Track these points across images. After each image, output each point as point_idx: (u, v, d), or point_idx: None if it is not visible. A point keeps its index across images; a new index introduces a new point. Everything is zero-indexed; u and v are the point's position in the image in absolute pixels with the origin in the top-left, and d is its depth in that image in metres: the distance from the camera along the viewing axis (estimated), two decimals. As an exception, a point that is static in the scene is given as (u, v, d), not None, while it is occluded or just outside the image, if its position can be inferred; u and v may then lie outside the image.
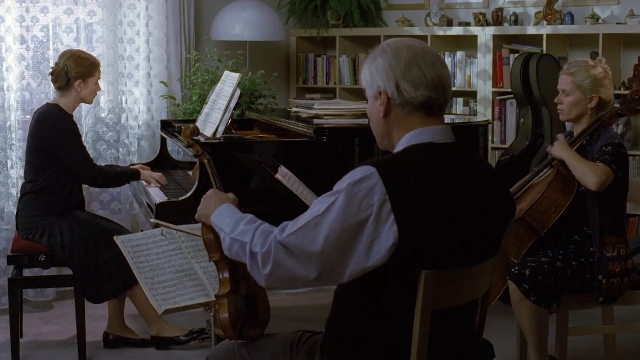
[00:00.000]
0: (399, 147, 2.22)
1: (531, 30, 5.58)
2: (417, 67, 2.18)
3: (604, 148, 3.54)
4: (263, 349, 2.46)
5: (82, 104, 5.25)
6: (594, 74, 3.64)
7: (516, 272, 3.50)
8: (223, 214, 2.34)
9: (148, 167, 4.68)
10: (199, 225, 2.54)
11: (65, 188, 4.34)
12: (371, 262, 2.06)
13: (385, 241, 2.04)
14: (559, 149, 3.64)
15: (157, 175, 4.53)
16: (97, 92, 4.50)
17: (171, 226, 2.99)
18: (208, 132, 4.24)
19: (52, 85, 4.51)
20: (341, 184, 2.09)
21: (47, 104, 4.44)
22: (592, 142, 3.63)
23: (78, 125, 4.44)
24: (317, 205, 2.11)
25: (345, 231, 2.06)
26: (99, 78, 4.45)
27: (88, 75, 4.36)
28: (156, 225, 3.02)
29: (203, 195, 2.47)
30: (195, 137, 2.97)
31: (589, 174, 3.47)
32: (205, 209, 2.42)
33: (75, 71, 4.33)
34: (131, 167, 4.65)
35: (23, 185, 4.45)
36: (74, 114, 4.47)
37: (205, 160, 2.69)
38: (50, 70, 4.46)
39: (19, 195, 4.55)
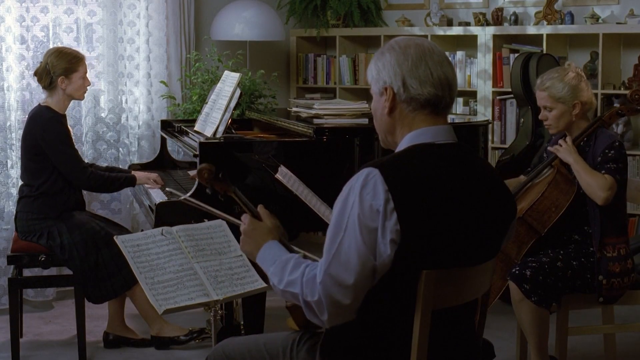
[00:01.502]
0: (400, 146, 2.23)
1: (531, 30, 5.58)
2: (425, 65, 2.19)
3: (607, 152, 3.52)
4: (263, 348, 2.46)
5: (81, 103, 5.28)
6: (568, 82, 3.61)
7: (517, 272, 3.50)
8: (267, 258, 2.28)
9: (144, 170, 4.64)
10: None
11: (63, 191, 4.32)
12: (380, 260, 2.08)
13: (388, 238, 2.05)
14: (566, 153, 3.61)
15: (154, 176, 4.49)
16: (88, 88, 4.41)
17: (203, 206, 2.82)
18: (208, 132, 4.24)
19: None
20: (349, 193, 2.10)
21: (39, 105, 4.37)
22: (590, 143, 3.62)
23: (78, 125, 4.42)
24: (334, 228, 2.10)
25: (367, 237, 2.06)
26: (86, 73, 4.35)
27: (71, 71, 4.28)
28: (185, 201, 2.80)
29: (242, 229, 2.37)
30: (215, 177, 2.48)
31: (596, 188, 3.48)
32: (249, 249, 2.35)
33: (58, 68, 4.26)
34: (129, 172, 4.59)
35: (21, 187, 4.43)
36: (72, 113, 4.43)
37: (233, 193, 2.50)
38: (34, 70, 4.40)
39: (17, 197, 4.54)
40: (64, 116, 4.38)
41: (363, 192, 2.07)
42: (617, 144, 3.55)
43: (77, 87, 4.33)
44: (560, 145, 3.65)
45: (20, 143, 5.05)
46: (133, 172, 4.54)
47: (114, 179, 4.40)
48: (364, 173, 2.10)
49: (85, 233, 4.24)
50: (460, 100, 5.94)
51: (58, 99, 4.32)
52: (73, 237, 4.23)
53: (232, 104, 4.22)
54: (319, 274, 2.09)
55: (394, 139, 2.26)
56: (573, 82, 3.61)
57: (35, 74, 4.37)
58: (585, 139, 3.64)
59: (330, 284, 2.07)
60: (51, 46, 5.22)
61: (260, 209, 2.41)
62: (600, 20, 5.41)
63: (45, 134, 4.23)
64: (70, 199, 4.35)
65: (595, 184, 3.49)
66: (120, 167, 5.30)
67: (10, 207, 5.08)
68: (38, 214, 4.29)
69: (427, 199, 2.10)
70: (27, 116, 4.40)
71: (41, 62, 4.37)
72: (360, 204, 2.07)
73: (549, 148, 3.74)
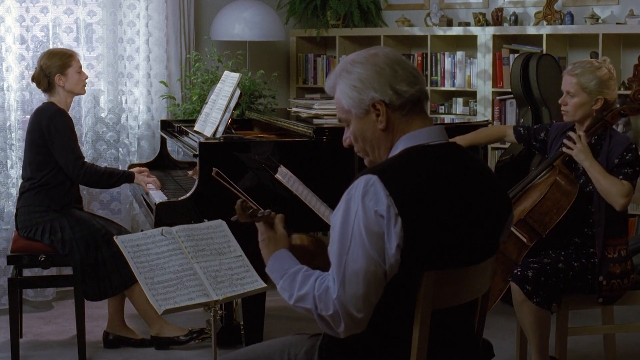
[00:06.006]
0: (394, 150, 2.21)
1: (531, 30, 5.58)
2: (400, 67, 2.18)
3: (625, 155, 3.51)
4: (261, 355, 2.45)
5: (81, 103, 5.28)
6: (599, 76, 3.59)
7: (519, 273, 3.49)
8: (274, 270, 2.26)
9: (147, 169, 4.65)
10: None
11: (65, 184, 4.34)
12: (388, 264, 2.07)
13: (394, 242, 2.05)
14: (581, 156, 3.55)
15: (151, 179, 4.49)
16: (86, 81, 4.46)
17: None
18: (208, 132, 4.24)
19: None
20: (350, 203, 2.08)
21: (44, 102, 4.44)
22: (602, 142, 3.58)
23: (78, 125, 4.44)
24: (339, 241, 2.09)
25: (376, 244, 2.05)
26: (80, 67, 4.41)
27: (65, 67, 4.35)
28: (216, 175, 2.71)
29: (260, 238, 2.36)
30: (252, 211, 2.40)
31: (615, 195, 3.46)
32: (264, 258, 2.33)
33: (52, 67, 4.34)
34: (128, 169, 4.61)
35: (22, 184, 4.45)
36: (72, 113, 4.47)
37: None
38: (31, 77, 4.46)
39: (18, 195, 4.54)
40: (67, 113, 4.42)
41: (365, 200, 2.05)
42: (634, 146, 3.55)
43: (75, 81, 4.38)
44: (573, 143, 3.59)
45: (20, 143, 5.10)
46: (133, 170, 4.55)
47: (111, 174, 4.43)
48: (363, 181, 2.08)
49: (86, 230, 4.26)
50: (460, 100, 5.94)
51: (60, 97, 4.38)
52: (74, 233, 4.24)
53: (232, 104, 4.22)
54: (334, 288, 2.08)
55: (388, 151, 2.22)
56: (604, 77, 3.59)
57: (33, 79, 4.45)
58: (596, 137, 3.62)
59: (345, 299, 2.06)
60: (51, 46, 5.23)
61: (279, 217, 2.38)
62: (600, 21, 5.41)
63: (51, 125, 4.28)
64: (70, 193, 4.38)
65: (614, 191, 3.46)
66: (120, 167, 5.31)
67: (10, 207, 5.08)
68: (40, 206, 4.31)
69: (428, 201, 2.10)
70: (31, 113, 4.46)
71: (35, 68, 4.45)
72: (364, 211, 2.05)
73: (562, 149, 3.64)
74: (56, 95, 4.38)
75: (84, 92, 4.54)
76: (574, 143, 3.58)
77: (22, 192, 4.41)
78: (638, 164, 3.54)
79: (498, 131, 4.05)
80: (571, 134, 3.61)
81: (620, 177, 3.49)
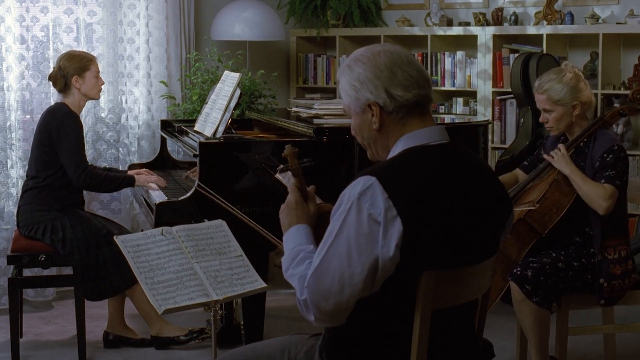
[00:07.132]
0: (394, 151, 2.20)
1: (531, 30, 5.58)
2: (400, 70, 2.17)
3: (605, 157, 3.51)
4: (261, 354, 2.45)
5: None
6: (566, 82, 3.58)
7: (518, 272, 3.49)
8: (289, 241, 2.27)
9: (147, 170, 4.65)
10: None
11: (68, 187, 4.34)
12: (383, 266, 2.06)
13: (393, 244, 2.04)
14: (562, 164, 3.57)
15: (154, 178, 4.50)
16: (102, 87, 4.49)
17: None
18: (208, 132, 4.24)
19: (54, 88, 4.52)
20: (346, 202, 2.08)
21: (56, 102, 4.46)
22: (589, 144, 3.60)
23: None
24: (327, 234, 2.09)
25: (365, 247, 2.05)
26: (98, 72, 4.44)
27: (84, 70, 4.36)
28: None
29: (287, 198, 2.34)
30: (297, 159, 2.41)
31: (596, 197, 3.46)
32: (282, 222, 2.32)
33: (70, 68, 4.35)
34: (128, 173, 4.59)
35: (25, 182, 4.46)
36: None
37: (299, 167, 2.40)
38: (48, 75, 4.48)
39: (19, 194, 4.54)
40: (78, 116, 4.42)
41: (361, 201, 2.05)
42: (616, 147, 3.52)
43: (92, 85, 4.40)
44: (555, 155, 3.62)
45: (20, 143, 5.10)
46: (132, 173, 4.54)
47: (112, 179, 4.41)
48: (361, 181, 2.08)
49: (87, 229, 4.26)
50: (460, 100, 5.94)
51: (74, 99, 4.39)
52: (75, 232, 4.24)
53: (232, 104, 4.22)
54: (308, 276, 2.10)
55: (387, 150, 2.23)
56: (572, 83, 3.58)
57: (50, 78, 4.46)
58: (585, 139, 3.62)
59: (314, 289, 2.08)
60: (51, 46, 5.24)
61: (312, 190, 2.37)
62: (600, 20, 5.41)
63: (60, 127, 4.28)
64: (72, 195, 4.38)
65: (595, 195, 3.47)
66: (120, 167, 5.31)
67: (10, 207, 5.08)
68: (42, 205, 4.31)
69: (428, 202, 2.09)
70: (32, 113, 4.45)
71: (54, 67, 4.46)
72: (357, 212, 2.05)
73: (543, 155, 3.71)
74: (70, 96, 4.39)
75: (98, 98, 4.58)
76: (552, 158, 3.61)
77: (25, 190, 4.41)
78: (620, 164, 3.52)
79: (510, 179, 3.96)
80: (554, 151, 3.62)
81: (603, 180, 3.49)
